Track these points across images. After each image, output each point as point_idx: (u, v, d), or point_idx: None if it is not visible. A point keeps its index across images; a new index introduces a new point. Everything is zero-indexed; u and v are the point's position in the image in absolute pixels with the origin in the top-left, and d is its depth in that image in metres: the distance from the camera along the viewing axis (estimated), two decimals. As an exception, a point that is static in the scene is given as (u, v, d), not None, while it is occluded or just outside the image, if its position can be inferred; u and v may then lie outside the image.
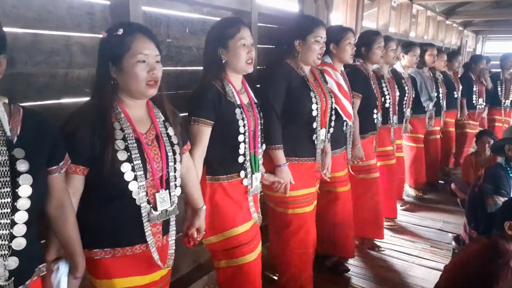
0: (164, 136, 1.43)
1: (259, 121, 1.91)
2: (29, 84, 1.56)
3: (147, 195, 1.37)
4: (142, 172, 1.33)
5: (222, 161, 1.85)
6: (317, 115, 2.20)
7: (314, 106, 2.17)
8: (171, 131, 1.47)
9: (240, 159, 1.85)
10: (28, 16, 1.53)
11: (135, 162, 1.32)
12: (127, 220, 1.37)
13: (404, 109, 3.53)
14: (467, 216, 2.76)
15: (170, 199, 1.44)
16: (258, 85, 2.27)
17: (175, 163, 1.45)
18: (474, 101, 4.98)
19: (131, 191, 1.33)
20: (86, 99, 1.47)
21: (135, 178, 1.32)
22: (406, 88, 3.49)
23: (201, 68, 1.98)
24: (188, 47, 2.21)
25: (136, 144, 1.34)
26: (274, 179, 2.17)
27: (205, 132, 1.77)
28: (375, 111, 2.99)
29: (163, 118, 1.47)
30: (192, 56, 2.24)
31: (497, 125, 5.28)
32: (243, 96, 1.88)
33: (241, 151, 1.84)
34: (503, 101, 5.25)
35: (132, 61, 1.30)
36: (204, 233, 1.75)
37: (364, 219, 3.02)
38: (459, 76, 5.12)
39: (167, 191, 1.42)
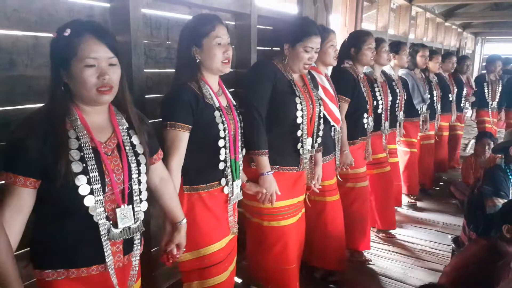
0: (127, 145, 1.30)
1: (239, 125, 1.78)
2: (30, 87, 1.57)
3: (105, 210, 1.23)
4: (99, 186, 1.20)
5: (201, 169, 1.71)
6: (302, 122, 2.05)
7: (299, 113, 2.03)
8: (135, 139, 1.33)
9: (221, 166, 1.71)
10: (29, 19, 1.54)
11: (91, 174, 1.18)
12: (83, 238, 1.23)
13: (396, 113, 3.40)
14: (466, 218, 2.76)
15: (134, 215, 1.30)
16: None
17: (139, 175, 1.31)
18: (462, 104, 4.94)
19: (87, 207, 1.19)
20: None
21: (91, 192, 1.19)
22: (397, 90, 3.37)
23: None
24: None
25: (93, 155, 1.20)
26: (256, 189, 2.01)
27: (182, 137, 1.62)
28: (365, 115, 2.82)
29: (127, 125, 1.33)
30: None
31: (487, 126, 5.26)
32: (221, 98, 1.76)
33: (221, 157, 1.70)
34: (490, 102, 5.27)
35: (80, 66, 1.17)
36: (184, 249, 1.62)
37: (351, 230, 2.83)
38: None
39: (130, 206, 1.29)
